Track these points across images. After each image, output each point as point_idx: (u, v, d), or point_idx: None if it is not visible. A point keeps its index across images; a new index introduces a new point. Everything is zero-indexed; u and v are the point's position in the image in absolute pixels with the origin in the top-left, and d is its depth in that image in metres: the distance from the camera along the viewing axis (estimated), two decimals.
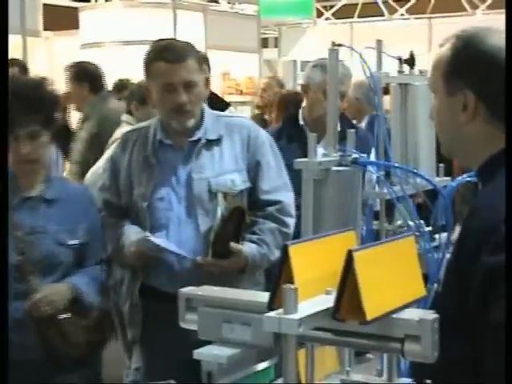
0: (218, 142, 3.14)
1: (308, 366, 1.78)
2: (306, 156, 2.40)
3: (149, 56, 3.13)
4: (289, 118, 4.48)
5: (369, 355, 2.21)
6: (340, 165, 2.50)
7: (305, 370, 1.79)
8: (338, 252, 1.58)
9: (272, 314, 1.44)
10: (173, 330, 2.88)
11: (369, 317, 1.47)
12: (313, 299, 1.52)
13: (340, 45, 2.55)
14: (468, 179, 2.66)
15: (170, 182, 3.10)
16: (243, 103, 10.26)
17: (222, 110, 4.42)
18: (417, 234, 2.68)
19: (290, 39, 13.00)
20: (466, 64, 1.97)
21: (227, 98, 7.20)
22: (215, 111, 3.29)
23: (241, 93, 10.58)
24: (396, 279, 1.58)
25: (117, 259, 3.28)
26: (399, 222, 2.93)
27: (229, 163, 3.13)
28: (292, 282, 1.51)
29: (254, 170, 3.15)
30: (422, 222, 2.79)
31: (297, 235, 2.69)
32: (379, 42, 2.88)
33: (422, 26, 12.38)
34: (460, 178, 2.69)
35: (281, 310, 1.44)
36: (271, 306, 1.56)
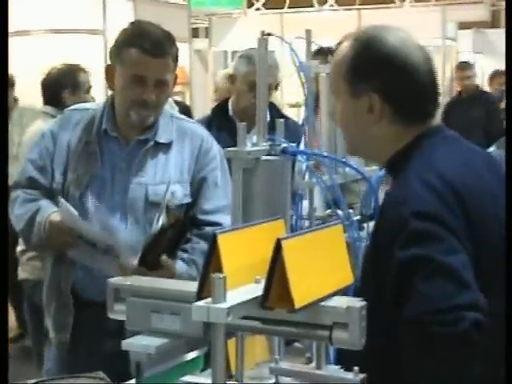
0: (166, 146, 2.92)
1: (238, 355, 1.78)
2: (235, 146, 2.40)
3: (124, 38, 2.87)
4: (217, 108, 4.47)
5: (297, 344, 2.22)
6: (269, 154, 2.51)
7: (234, 359, 1.79)
8: (267, 240, 1.58)
9: (200, 303, 1.43)
10: (99, 338, 2.79)
11: (297, 305, 1.48)
12: (242, 288, 1.52)
13: (269, 34, 2.54)
14: None
15: (107, 178, 2.87)
16: (174, 93, 10.18)
17: None
18: (346, 223, 2.71)
19: (221, 29, 12.93)
20: (369, 67, 1.99)
21: None
22: (170, 111, 3.09)
23: None
24: (324, 267, 1.59)
25: (29, 242, 2.93)
26: (328, 211, 2.96)
27: (173, 172, 2.90)
28: (221, 271, 1.51)
29: (198, 186, 2.93)
30: (350, 211, 2.82)
31: None
32: (308, 31, 2.89)
33: (352, 18, 12.44)
34: None
35: (209, 300, 1.44)
36: (200, 295, 1.55)
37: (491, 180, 1.95)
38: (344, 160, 2.78)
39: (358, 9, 12.96)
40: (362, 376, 1.65)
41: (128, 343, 1.65)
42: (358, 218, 2.82)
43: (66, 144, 2.90)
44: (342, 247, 1.66)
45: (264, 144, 2.52)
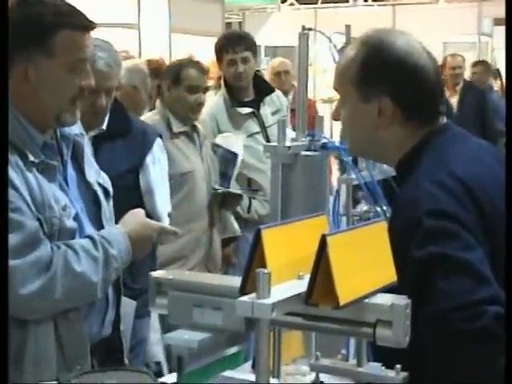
0: None
1: (275, 350, 1.78)
2: None
3: None
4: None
5: None
6: (309, 149, 2.50)
7: (272, 354, 1.78)
8: (310, 236, 1.57)
9: (245, 298, 1.42)
10: None
11: (342, 302, 1.46)
12: (285, 284, 1.51)
13: (310, 29, 2.54)
14: None
15: None
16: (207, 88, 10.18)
17: (268, 94, 4.90)
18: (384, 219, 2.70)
19: (254, 24, 12.95)
20: (380, 71, 2.00)
21: None
22: None
23: None
24: (368, 264, 1.58)
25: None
26: (365, 208, 2.94)
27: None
28: (264, 267, 1.50)
29: None
30: (388, 207, 2.80)
31: None
32: (348, 27, 2.87)
33: (386, 13, 12.42)
34: None
35: (253, 295, 1.43)
36: (243, 290, 1.55)
37: (502, 174, 1.95)
38: None
39: (393, 4, 12.91)
40: (404, 375, 1.63)
41: (170, 337, 1.64)
42: None
43: None
44: (385, 244, 1.64)
45: (303, 139, 2.51)
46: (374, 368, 1.71)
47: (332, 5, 13.23)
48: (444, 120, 2.11)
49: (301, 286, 1.51)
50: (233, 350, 1.77)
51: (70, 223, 2.30)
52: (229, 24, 12.79)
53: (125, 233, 2.38)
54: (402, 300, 1.53)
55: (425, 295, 1.71)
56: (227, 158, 4.36)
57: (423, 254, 1.75)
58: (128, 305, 2.63)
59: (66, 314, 2.27)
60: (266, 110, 4.89)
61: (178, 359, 1.63)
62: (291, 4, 13.98)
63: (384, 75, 1.98)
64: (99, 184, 2.50)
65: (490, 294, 1.69)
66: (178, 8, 9.73)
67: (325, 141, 2.50)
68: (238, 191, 4.46)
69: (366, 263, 1.57)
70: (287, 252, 1.58)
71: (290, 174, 2.45)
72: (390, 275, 1.64)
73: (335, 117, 2.14)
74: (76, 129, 2.46)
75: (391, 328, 1.52)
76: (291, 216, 2.41)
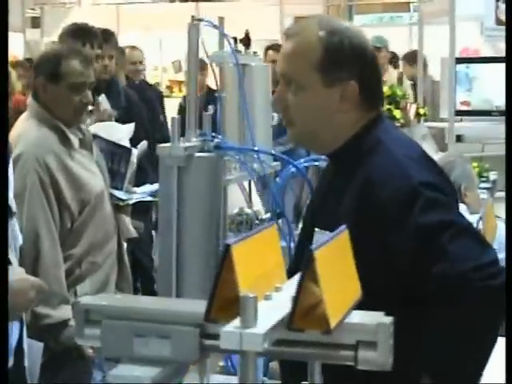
0: None
1: None
2: None
3: None
4: None
5: None
6: (202, 150, 2.31)
7: None
8: (267, 247, 1.44)
9: (230, 328, 1.22)
10: None
11: (332, 325, 1.29)
12: (261, 304, 1.31)
13: (200, 20, 2.34)
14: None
15: None
16: None
17: None
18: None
19: (54, 19, 12.41)
20: (346, 56, 1.99)
21: None
22: None
23: None
24: (342, 279, 1.42)
25: None
26: (235, 211, 2.77)
27: None
28: (233, 287, 1.30)
29: None
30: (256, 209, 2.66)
31: None
32: (221, 19, 2.70)
33: (189, 11, 12.29)
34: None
35: (237, 323, 1.23)
36: (209, 316, 1.34)
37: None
38: (275, 153, 2.62)
39: (196, 1, 12.80)
40: None
41: (116, 376, 1.40)
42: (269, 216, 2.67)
43: None
44: (350, 256, 1.48)
45: (195, 139, 2.32)
46: None
47: (133, 1, 12.96)
48: None
49: (277, 306, 1.32)
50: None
51: None
52: (35, 19, 12.23)
53: None
54: (384, 317, 1.38)
55: (436, 258, 1.77)
56: (114, 152, 3.69)
57: (429, 221, 1.80)
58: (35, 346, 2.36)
59: None
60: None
61: None
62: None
63: (350, 59, 1.98)
64: None
65: (495, 256, 1.81)
66: None
67: (218, 141, 2.33)
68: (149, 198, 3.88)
69: (340, 278, 1.40)
70: (253, 268, 1.38)
71: (184, 177, 2.25)
72: (356, 290, 1.48)
73: (277, 106, 2.01)
74: None
75: (375, 349, 1.36)
76: (186, 221, 2.23)
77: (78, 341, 1.51)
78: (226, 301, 1.36)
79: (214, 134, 2.37)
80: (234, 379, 2.32)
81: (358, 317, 1.39)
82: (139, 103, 5.51)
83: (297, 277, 1.50)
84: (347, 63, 1.98)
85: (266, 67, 2.93)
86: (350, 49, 1.98)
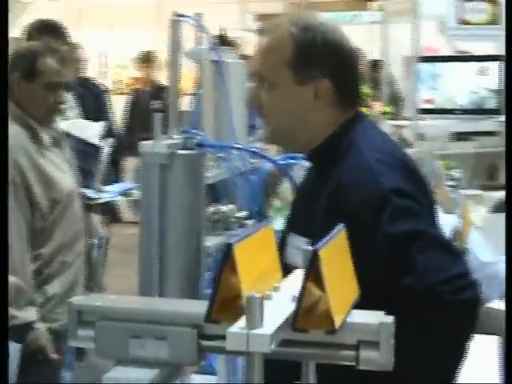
0: None
1: None
2: None
3: None
4: None
5: None
6: (184, 148, 2.28)
7: None
8: (264, 246, 1.43)
9: (236, 329, 1.19)
10: None
11: (337, 324, 1.27)
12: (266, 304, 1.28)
13: (182, 15, 2.30)
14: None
15: None
16: None
17: None
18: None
19: (11, 15, 12.27)
20: (318, 53, 1.94)
21: None
22: None
23: None
24: (343, 278, 1.40)
25: None
26: (211, 209, 2.75)
27: None
28: (234, 287, 1.28)
29: None
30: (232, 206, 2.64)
31: None
32: (199, 15, 2.67)
33: (150, 7, 12.23)
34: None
35: (242, 324, 1.20)
36: (209, 317, 1.31)
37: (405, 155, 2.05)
38: (256, 151, 2.60)
39: None
40: None
41: (112, 378, 1.36)
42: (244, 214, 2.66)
43: None
44: (348, 255, 1.46)
45: (176, 136, 2.28)
46: None
47: None
48: None
49: (281, 305, 1.30)
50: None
51: None
52: None
53: None
54: (386, 317, 1.37)
55: (403, 269, 1.72)
56: (85, 150, 3.69)
57: (397, 230, 1.75)
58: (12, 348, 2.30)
59: None
60: None
61: None
62: None
63: (323, 56, 1.93)
64: None
65: (466, 268, 1.77)
66: None
67: (200, 138, 2.30)
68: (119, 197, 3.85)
69: (341, 278, 1.39)
70: (253, 268, 1.36)
71: (167, 175, 2.21)
72: (355, 290, 1.47)
73: (252, 104, 1.98)
74: None
75: (377, 349, 1.34)
76: (168, 219, 2.20)
77: (71, 342, 1.47)
78: (224, 301, 1.34)
79: (194, 131, 2.34)
80: (213, 379, 2.31)
81: (360, 316, 1.38)
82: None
83: (293, 276, 1.49)
84: (320, 60, 1.93)
85: (242, 64, 2.92)
86: (324, 45, 1.92)
